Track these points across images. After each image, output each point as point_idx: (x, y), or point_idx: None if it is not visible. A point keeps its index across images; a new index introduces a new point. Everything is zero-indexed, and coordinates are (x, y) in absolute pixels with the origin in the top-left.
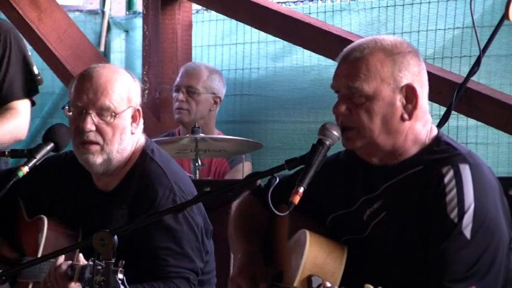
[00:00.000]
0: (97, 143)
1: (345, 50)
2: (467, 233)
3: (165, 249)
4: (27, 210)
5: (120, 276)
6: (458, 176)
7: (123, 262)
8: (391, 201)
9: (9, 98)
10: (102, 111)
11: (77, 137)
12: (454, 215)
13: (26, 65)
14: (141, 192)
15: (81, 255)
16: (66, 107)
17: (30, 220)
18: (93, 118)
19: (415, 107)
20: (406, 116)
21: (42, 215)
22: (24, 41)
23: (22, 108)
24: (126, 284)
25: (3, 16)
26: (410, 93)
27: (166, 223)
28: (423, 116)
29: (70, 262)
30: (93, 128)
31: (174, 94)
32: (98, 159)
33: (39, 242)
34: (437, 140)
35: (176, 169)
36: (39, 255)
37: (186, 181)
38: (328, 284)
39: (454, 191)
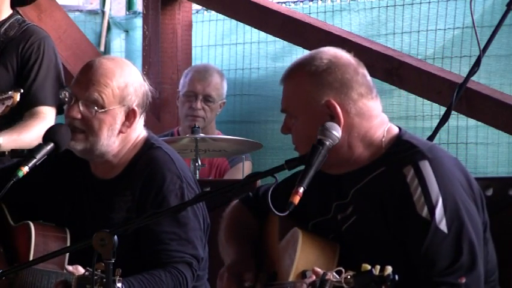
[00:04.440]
0: (82, 131)
1: None
2: (443, 227)
3: (170, 234)
4: (12, 214)
5: (119, 285)
6: (419, 174)
7: (121, 270)
8: (360, 204)
9: (35, 103)
10: (89, 103)
11: (66, 120)
12: (425, 213)
13: (57, 74)
14: (148, 176)
15: (69, 267)
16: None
17: (16, 225)
18: (80, 107)
19: (339, 121)
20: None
21: (27, 221)
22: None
23: (48, 113)
24: None
25: None
26: (332, 108)
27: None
28: (369, 119)
29: (64, 279)
30: (79, 116)
31: (186, 98)
32: (79, 146)
33: (29, 248)
34: (397, 140)
35: (181, 160)
36: None
37: (190, 172)
38: (319, 270)
39: (419, 189)
